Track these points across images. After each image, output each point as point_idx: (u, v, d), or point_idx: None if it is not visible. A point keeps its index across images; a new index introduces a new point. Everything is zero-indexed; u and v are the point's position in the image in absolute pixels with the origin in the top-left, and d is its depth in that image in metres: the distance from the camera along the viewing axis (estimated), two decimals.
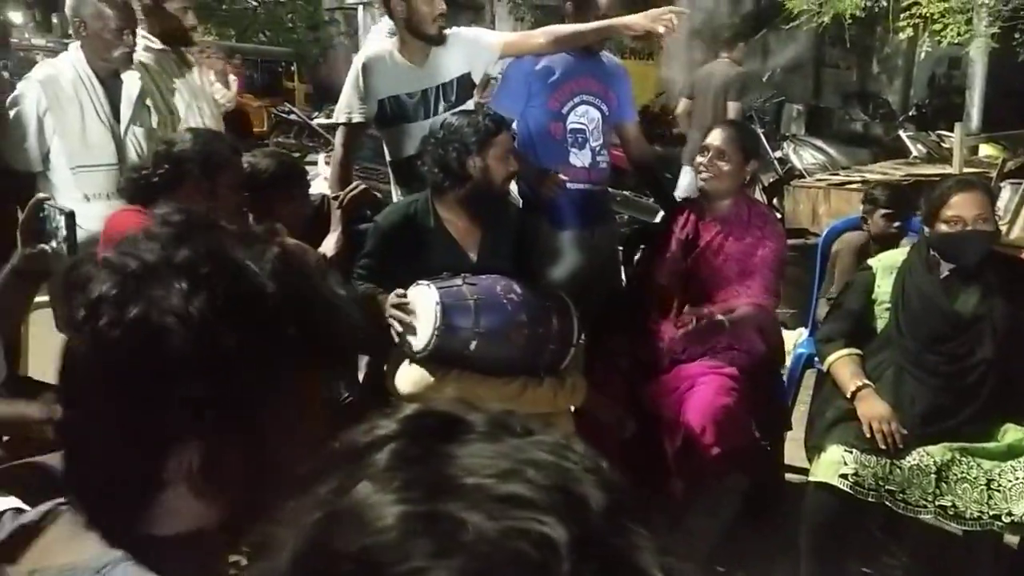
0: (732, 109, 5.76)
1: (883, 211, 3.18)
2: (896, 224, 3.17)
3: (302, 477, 0.47)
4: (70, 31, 2.78)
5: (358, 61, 2.80)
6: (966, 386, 2.25)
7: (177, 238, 0.66)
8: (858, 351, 2.38)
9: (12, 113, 2.71)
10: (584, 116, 2.91)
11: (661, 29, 2.67)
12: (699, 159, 2.70)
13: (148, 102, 2.91)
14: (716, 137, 2.65)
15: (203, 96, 3.09)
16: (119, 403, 0.65)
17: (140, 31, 2.82)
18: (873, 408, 2.22)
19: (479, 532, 0.40)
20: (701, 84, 6.09)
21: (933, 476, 2.13)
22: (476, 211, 2.48)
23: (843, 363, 2.37)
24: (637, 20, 2.73)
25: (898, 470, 2.16)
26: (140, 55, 2.83)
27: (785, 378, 3.01)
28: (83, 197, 2.66)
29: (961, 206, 2.25)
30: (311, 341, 0.69)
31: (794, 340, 3.48)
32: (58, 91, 2.69)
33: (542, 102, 2.85)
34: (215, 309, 0.64)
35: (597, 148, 2.94)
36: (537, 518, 0.41)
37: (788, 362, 3.07)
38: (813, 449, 2.32)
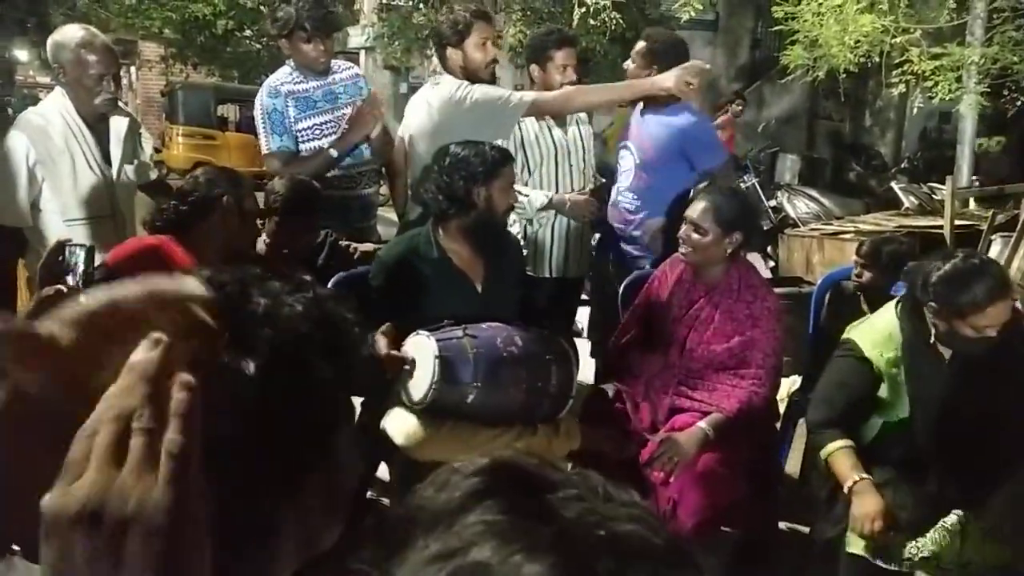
0: None
1: (873, 268, 3.20)
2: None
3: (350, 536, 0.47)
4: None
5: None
6: (978, 474, 2.21)
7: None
8: (851, 443, 2.30)
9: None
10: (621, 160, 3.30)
11: (689, 87, 2.80)
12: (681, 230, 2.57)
13: (142, 131, 2.89)
14: (694, 209, 2.53)
15: None
16: None
17: None
18: (865, 506, 2.19)
19: None
20: None
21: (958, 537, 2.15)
22: (478, 241, 2.47)
23: (841, 456, 2.29)
24: (667, 80, 2.82)
25: (922, 539, 2.17)
26: None
27: (779, 425, 3.02)
28: None
29: (996, 316, 2.08)
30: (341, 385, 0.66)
31: (788, 388, 3.48)
32: (47, 143, 2.59)
33: None
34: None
35: (622, 188, 3.28)
36: None
37: (782, 410, 3.07)
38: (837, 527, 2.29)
